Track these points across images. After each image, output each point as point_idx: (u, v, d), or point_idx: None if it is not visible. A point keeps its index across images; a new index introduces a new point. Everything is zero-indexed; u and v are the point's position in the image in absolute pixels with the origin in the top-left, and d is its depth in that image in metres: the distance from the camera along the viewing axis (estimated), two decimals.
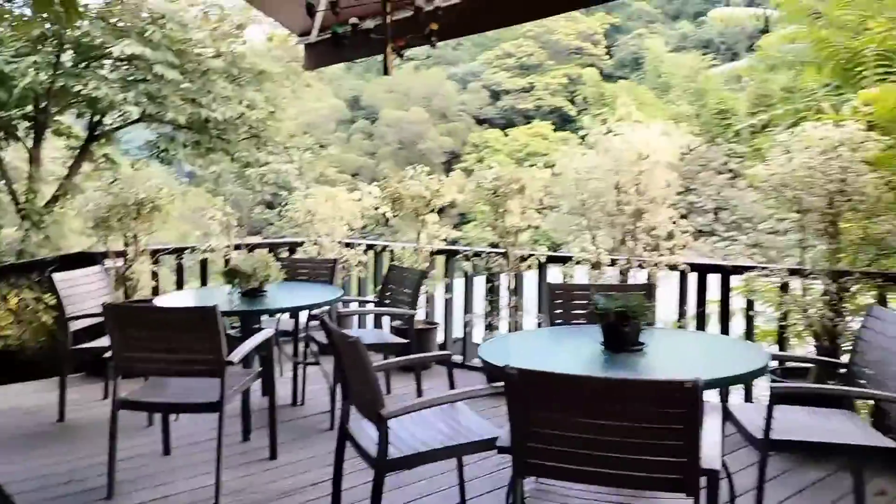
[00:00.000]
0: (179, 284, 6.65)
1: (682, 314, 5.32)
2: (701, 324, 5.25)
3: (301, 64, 10.30)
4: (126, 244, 6.05)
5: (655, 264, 5.12)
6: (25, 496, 3.74)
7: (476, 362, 6.28)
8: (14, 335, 6.13)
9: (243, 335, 4.70)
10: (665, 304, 5.06)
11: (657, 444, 2.19)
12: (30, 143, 9.20)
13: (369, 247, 7.09)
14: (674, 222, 5.11)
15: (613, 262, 5.25)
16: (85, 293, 5.18)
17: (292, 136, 11.28)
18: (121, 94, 8.21)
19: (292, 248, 7.46)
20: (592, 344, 3.25)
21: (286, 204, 7.06)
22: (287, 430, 4.62)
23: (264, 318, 5.43)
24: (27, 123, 9.26)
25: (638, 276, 5.25)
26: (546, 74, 49.55)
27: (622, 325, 3.14)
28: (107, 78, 8.89)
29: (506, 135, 47.23)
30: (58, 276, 4.98)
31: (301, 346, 5.57)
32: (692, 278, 5.34)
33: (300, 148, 11.01)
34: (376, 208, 6.59)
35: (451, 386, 3.52)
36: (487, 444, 3.00)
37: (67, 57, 9.13)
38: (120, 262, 6.21)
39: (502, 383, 2.41)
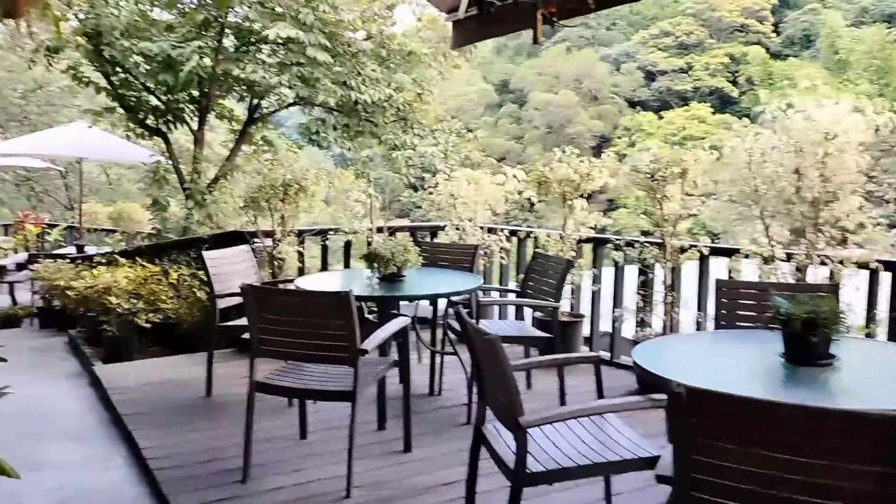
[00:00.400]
0: (324, 266, 6.67)
1: (870, 319, 4.59)
2: (895, 331, 4.51)
3: (449, 44, 10.15)
4: (274, 224, 6.11)
5: (841, 261, 4.43)
6: (167, 472, 3.78)
7: (625, 359, 5.82)
8: (173, 308, 6.40)
9: (381, 321, 4.56)
10: (846, 306, 4.38)
11: (869, 492, 1.72)
12: (195, 126, 9.66)
13: (512, 233, 6.77)
14: (865, 213, 4.40)
15: (789, 257, 4.60)
16: (233, 272, 5.25)
17: (440, 121, 11.14)
18: (276, 78, 8.37)
19: (433, 231, 7.30)
20: (768, 354, 2.77)
21: (429, 187, 6.88)
22: (422, 422, 4.43)
23: (403, 303, 5.27)
24: (192, 107, 9.72)
25: (818, 274, 4.58)
26: (706, 54, 46.83)
27: (810, 335, 2.64)
28: (264, 62, 9.12)
29: (660, 118, 45.18)
30: (208, 255, 5.07)
31: (439, 333, 5.37)
32: (885, 278, 4.60)
33: (446, 131, 10.85)
34: (521, 192, 6.26)
35: (599, 390, 3.14)
36: (642, 464, 2.61)
37: (229, 42, 9.47)
38: (268, 242, 6.29)
39: (661, 396, 2.01)
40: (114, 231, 13.14)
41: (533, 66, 49.54)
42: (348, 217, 6.71)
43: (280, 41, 9.03)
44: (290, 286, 5.36)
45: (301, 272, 6.40)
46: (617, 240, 5.69)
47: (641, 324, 5.64)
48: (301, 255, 6.38)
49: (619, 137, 43.24)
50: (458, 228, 6.61)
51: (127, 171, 18.45)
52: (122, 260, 7.31)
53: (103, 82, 9.47)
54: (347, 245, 6.71)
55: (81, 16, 8.66)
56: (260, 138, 10.88)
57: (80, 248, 10.55)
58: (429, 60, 9.75)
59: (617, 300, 5.80)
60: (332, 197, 7.45)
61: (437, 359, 5.15)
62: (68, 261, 8.34)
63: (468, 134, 11.62)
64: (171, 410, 4.77)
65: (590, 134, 44.77)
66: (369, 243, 6.65)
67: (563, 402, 4.54)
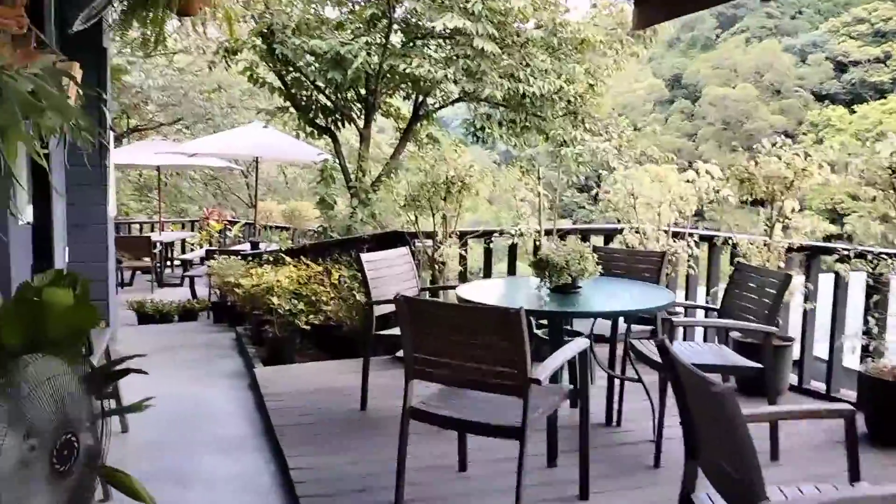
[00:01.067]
0: (487, 271, 6.11)
1: None
2: None
3: (628, 27, 9.29)
4: (435, 225, 5.63)
5: None
6: (314, 501, 3.37)
7: (845, 393, 4.77)
8: (333, 310, 6.12)
9: (552, 339, 3.90)
10: None
11: None
12: (361, 124, 9.51)
13: (703, 238, 5.84)
14: None
15: None
16: (391, 276, 4.82)
17: (608, 115, 10.27)
18: (442, 72, 7.95)
19: (608, 235, 6.52)
20: None
21: (604, 188, 6.12)
22: (600, 460, 3.72)
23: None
24: (359, 105, 9.59)
25: None
26: None
27: None
28: (430, 56, 8.76)
29: (852, 112, 40.83)
30: (366, 257, 4.66)
31: (618, 352, 4.62)
32: None
33: (619, 125, 9.96)
34: (717, 191, 5.34)
35: (854, 467, 2.30)
36: None
37: (396, 39, 9.23)
38: (429, 244, 5.83)
39: None
40: (286, 228, 13.49)
41: (708, 60, 46.55)
42: (513, 217, 6.11)
43: (447, 33, 8.63)
44: (451, 293, 4.86)
45: (463, 277, 5.89)
46: (845, 250, 4.62)
47: (867, 352, 4.56)
48: (463, 258, 5.86)
49: (805, 133, 39.47)
50: (637, 232, 5.79)
51: (302, 170, 19.11)
52: (288, 259, 7.19)
53: (277, 82, 9.55)
54: (512, 248, 6.11)
55: (257, 16, 8.73)
56: (425, 136, 10.58)
57: (254, 245, 10.78)
58: (604, 48, 8.93)
59: (837, 322, 4.76)
60: (495, 196, 6.89)
61: (617, 384, 4.41)
62: (240, 257, 8.42)
63: (640, 130, 10.65)
64: (325, 424, 4.40)
65: (770, 130, 41.19)
66: (536, 247, 6.01)
67: (774, 457, 3.68)
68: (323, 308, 6.22)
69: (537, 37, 8.75)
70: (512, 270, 6.16)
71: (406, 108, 10.94)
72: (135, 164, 13.12)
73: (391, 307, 4.59)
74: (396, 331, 4.58)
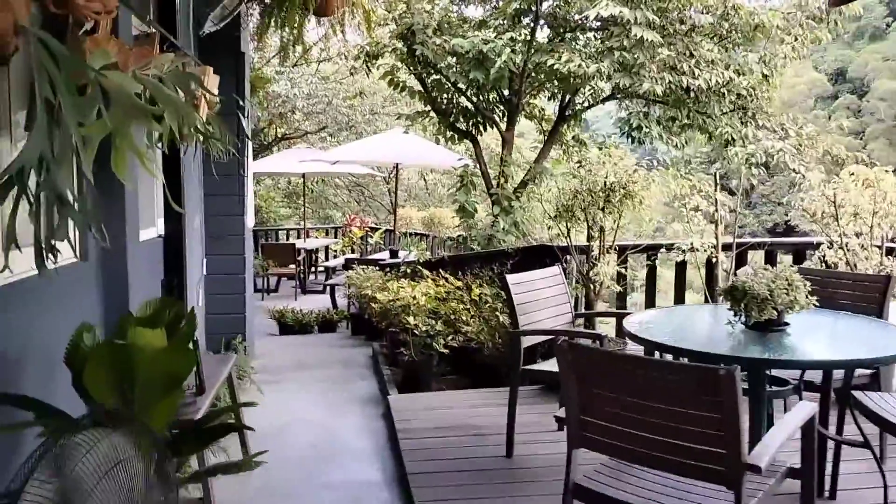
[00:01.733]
0: (650, 295, 5.21)
1: None
2: None
3: (809, 10, 7.99)
4: (590, 238, 4.82)
5: None
6: None
7: None
8: (473, 332, 5.46)
9: (752, 394, 3.00)
10: None
11: None
12: (503, 127, 8.83)
13: None
14: None
15: None
16: (541, 300, 4.08)
17: (780, 111, 8.95)
18: (594, 66, 7.09)
19: (798, 252, 5.42)
20: None
21: (797, 191, 5.05)
22: None
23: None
24: (501, 107, 8.92)
25: None
26: None
27: None
28: (580, 50, 7.92)
29: None
30: (512, 280, 3.95)
31: (831, 405, 3.61)
32: None
33: (796, 121, 8.64)
34: None
35: None
36: None
37: (541, 36, 8.50)
38: (582, 259, 5.03)
39: None
40: (425, 235, 13.09)
41: (878, 51, 41.97)
42: (685, 229, 5.18)
43: (599, 24, 7.78)
44: (608, 321, 4.05)
45: (622, 299, 5.04)
46: None
47: None
48: (622, 276, 5.01)
49: None
50: (842, 248, 4.69)
51: (442, 176, 18.76)
52: (426, 272, 6.63)
53: (417, 86, 9.07)
54: (681, 267, 5.18)
55: (398, 18, 8.29)
56: (571, 138, 9.74)
57: (393, 253, 10.41)
58: (781, 34, 7.70)
59: None
60: (651, 205, 5.96)
61: (830, 445, 3.42)
62: (377, 268, 8.00)
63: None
64: (465, 473, 3.73)
65: None
66: (711, 265, 5.05)
67: None
68: (462, 328, 5.58)
69: (705, 23, 7.68)
70: (680, 295, 5.22)
71: (550, 109, 10.15)
72: (281, 171, 13.22)
73: (541, 337, 3.86)
74: (549, 366, 3.85)
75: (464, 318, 5.65)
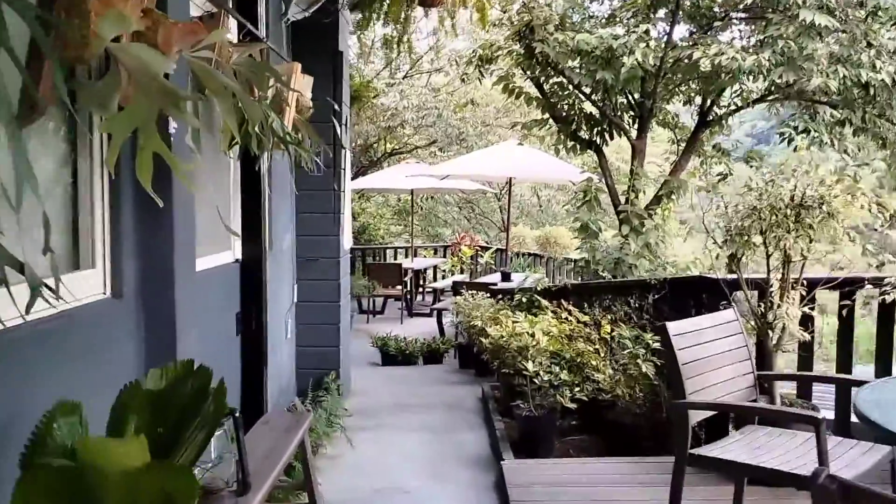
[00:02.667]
0: (845, 347, 3.93)
1: None
2: None
3: None
4: (770, 269, 3.65)
5: None
6: None
7: None
8: (607, 382, 4.38)
9: None
10: None
11: None
12: (633, 134, 7.68)
13: None
14: None
15: None
16: (713, 357, 2.97)
17: None
18: (750, 58, 5.84)
19: None
20: None
21: None
22: None
23: None
24: (630, 113, 7.77)
25: None
26: None
27: None
28: (727, 43, 6.68)
29: None
30: (674, 329, 2.86)
31: None
32: None
33: None
34: None
35: None
36: None
37: (678, 31, 7.33)
38: (754, 298, 3.85)
39: None
40: (539, 256, 12.02)
41: None
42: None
43: (746, 14, 6.54)
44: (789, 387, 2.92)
45: (807, 350, 3.82)
46: None
47: None
48: (810, 320, 3.79)
49: None
50: None
51: (556, 191, 17.61)
52: (544, 302, 5.61)
53: (534, 92, 8.09)
54: (889, 309, 3.88)
55: (515, 16, 7.35)
56: (712, 147, 8.43)
57: (505, 276, 9.42)
58: None
59: None
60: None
61: None
62: (488, 294, 7.03)
63: None
64: None
65: None
66: None
67: None
68: (592, 375, 4.51)
69: (890, 5, 6.25)
70: (887, 349, 3.91)
71: (686, 115, 8.89)
72: (390, 188, 12.57)
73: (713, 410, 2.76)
74: (723, 450, 2.73)
75: (593, 362, 4.57)
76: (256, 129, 2.92)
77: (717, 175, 8.66)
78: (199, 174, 3.52)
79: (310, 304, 5.41)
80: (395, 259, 13.43)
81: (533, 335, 4.66)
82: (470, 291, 7.33)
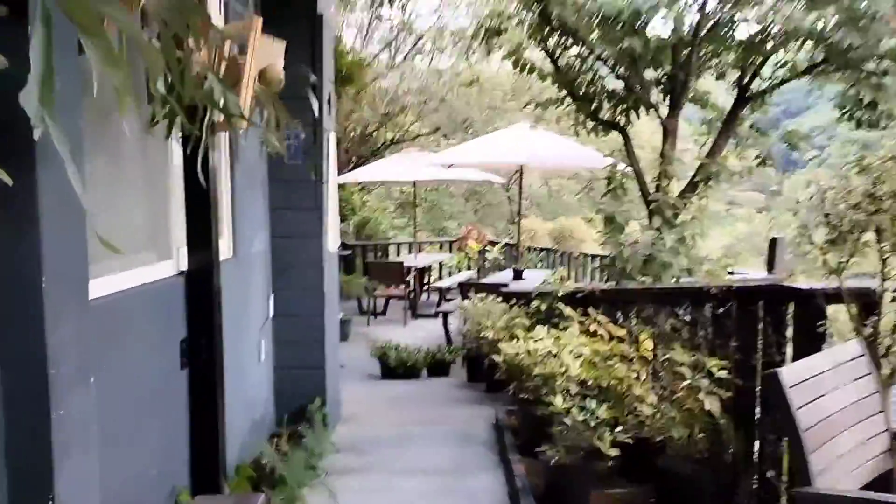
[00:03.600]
0: None
1: None
2: None
3: None
4: (885, 272, 2.72)
5: None
6: None
7: None
8: (654, 419, 3.45)
9: None
10: None
11: None
12: (663, 113, 6.72)
13: None
14: None
15: None
16: (835, 413, 2.04)
17: None
18: (811, 16, 4.88)
19: None
20: None
21: None
22: None
23: None
24: (660, 87, 6.82)
25: None
26: None
27: None
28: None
29: None
30: (789, 376, 1.93)
31: None
32: None
33: None
34: None
35: None
36: None
37: None
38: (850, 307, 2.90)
39: None
40: (552, 250, 11.09)
41: None
42: None
43: None
44: None
45: None
46: None
47: None
48: None
49: None
50: None
51: (567, 181, 16.65)
52: (569, 311, 4.69)
53: (549, 66, 7.14)
54: None
55: None
56: (749, 127, 7.47)
57: (517, 274, 8.50)
58: None
59: None
60: None
61: None
62: (499, 299, 6.12)
63: None
64: None
65: None
66: None
67: None
68: (635, 408, 3.58)
69: None
70: None
71: (719, 92, 7.94)
72: (390, 179, 11.65)
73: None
74: None
75: (636, 390, 3.64)
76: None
77: (755, 159, 7.73)
78: (116, 160, 2.62)
79: (289, 318, 4.50)
80: (398, 256, 12.52)
81: (558, 356, 3.74)
82: (479, 294, 6.42)
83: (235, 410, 3.75)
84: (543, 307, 5.12)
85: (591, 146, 8.92)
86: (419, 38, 11.52)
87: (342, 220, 13.81)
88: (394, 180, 11.53)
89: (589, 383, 3.66)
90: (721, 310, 3.48)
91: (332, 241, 4.73)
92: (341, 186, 13.49)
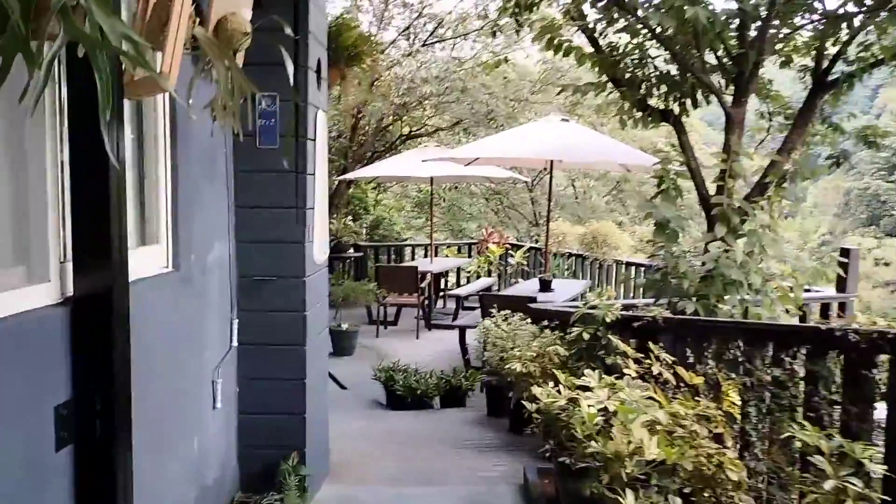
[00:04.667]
0: None
1: None
2: None
3: None
4: None
5: None
6: None
7: None
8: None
9: None
10: None
11: None
12: (728, 99, 5.55)
13: None
14: None
15: None
16: None
17: None
18: None
19: None
20: None
21: None
22: None
23: None
24: (722, 69, 5.64)
25: None
26: None
27: None
28: None
29: None
30: None
31: None
32: None
33: None
34: None
35: None
36: None
37: None
38: None
39: None
40: (582, 257, 9.92)
41: None
42: None
43: None
44: None
45: None
46: None
47: None
48: None
49: None
50: None
51: (596, 181, 15.43)
52: (623, 346, 3.57)
53: (588, 47, 6.01)
54: None
55: None
56: (822, 121, 6.27)
57: (544, 285, 7.37)
58: None
59: None
60: None
61: None
62: (528, 319, 5.01)
63: None
64: None
65: None
66: None
67: None
68: (727, 497, 2.46)
69: None
70: None
71: (784, 79, 6.75)
72: (405, 175, 10.55)
73: None
74: None
75: (731, 474, 2.51)
76: None
77: (828, 159, 6.54)
78: None
79: (259, 350, 3.42)
80: (413, 258, 11.43)
81: (623, 424, 2.61)
82: (502, 312, 5.31)
83: (172, 479, 2.68)
84: (587, 336, 3.99)
85: (634, 138, 7.78)
86: (439, 23, 10.40)
87: (354, 220, 12.75)
88: (410, 176, 10.42)
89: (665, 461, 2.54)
90: (858, 361, 2.33)
91: (318, 250, 3.64)
92: (355, 183, 12.47)
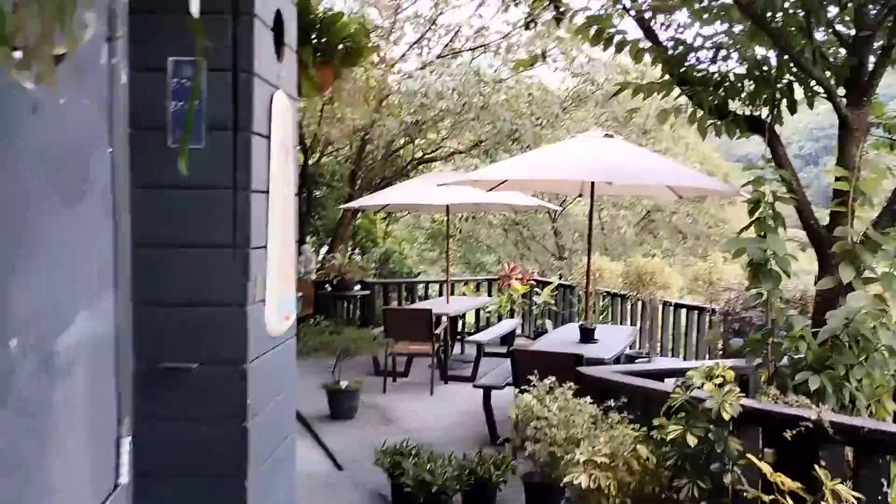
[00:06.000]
0: None
1: None
2: None
3: None
4: None
5: None
6: None
7: None
8: None
9: None
10: None
11: None
12: (841, 100, 4.16)
13: None
14: None
15: None
16: None
17: None
18: None
19: None
20: None
21: None
22: None
23: None
24: (834, 61, 4.26)
25: None
26: None
27: None
28: None
29: None
30: None
31: None
32: None
33: None
34: None
35: None
36: None
37: None
38: None
39: None
40: (623, 296, 8.46)
41: None
42: None
43: None
44: None
45: None
46: None
47: None
48: None
49: None
50: None
51: (622, 209, 14.00)
52: (763, 466, 2.13)
53: (644, 41, 4.65)
54: None
55: None
56: None
57: (586, 335, 5.92)
58: None
59: None
60: None
61: None
62: (572, 388, 3.58)
63: None
64: None
65: None
66: None
67: None
68: None
69: None
70: None
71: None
72: (416, 203, 9.21)
73: None
74: None
75: None
76: None
77: None
78: None
79: (168, 483, 2.02)
80: (426, 296, 10.02)
81: None
82: (546, 381, 3.88)
83: None
84: (692, 441, 2.55)
85: (694, 155, 6.41)
86: (455, 34, 9.15)
87: (362, 253, 11.40)
88: (423, 204, 9.07)
89: None
90: None
91: (275, 313, 2.25)
92: (362, 213, 11.14)
